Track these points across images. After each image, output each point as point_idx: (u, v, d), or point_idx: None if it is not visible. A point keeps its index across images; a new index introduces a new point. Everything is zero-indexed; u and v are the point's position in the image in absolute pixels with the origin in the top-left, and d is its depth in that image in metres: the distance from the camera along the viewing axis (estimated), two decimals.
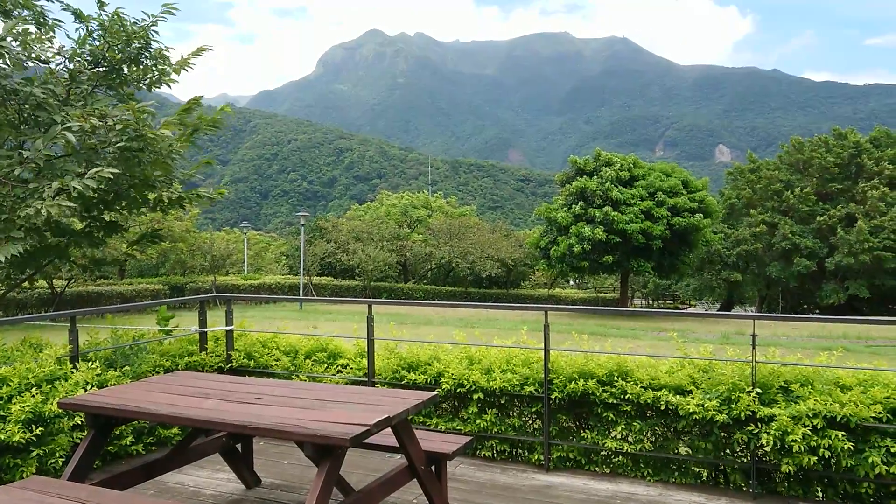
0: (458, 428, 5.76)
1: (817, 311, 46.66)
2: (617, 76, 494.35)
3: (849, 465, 4.51)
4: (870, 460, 4.44)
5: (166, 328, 7.00)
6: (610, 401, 5.27)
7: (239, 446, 4.92)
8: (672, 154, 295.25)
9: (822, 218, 42.28)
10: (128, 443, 5.52)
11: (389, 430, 3.66)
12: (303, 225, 40.07)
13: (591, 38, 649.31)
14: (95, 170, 5.47)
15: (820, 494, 4.73)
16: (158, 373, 6.07)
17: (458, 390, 5.75)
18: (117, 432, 5.45)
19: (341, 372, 6.37)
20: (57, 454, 4.84)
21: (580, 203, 34.50)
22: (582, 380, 5.33)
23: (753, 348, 4.89)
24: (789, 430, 4.57)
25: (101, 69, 7.20)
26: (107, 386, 5.41)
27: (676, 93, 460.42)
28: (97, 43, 7.08)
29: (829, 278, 42.60)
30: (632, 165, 35.70)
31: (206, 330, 6.77)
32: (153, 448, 5.82)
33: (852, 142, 45.14)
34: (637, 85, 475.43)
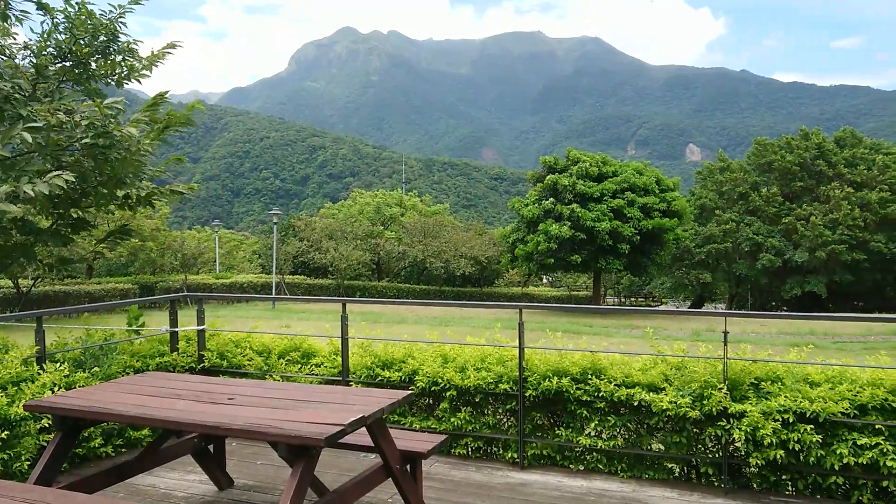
0: (433, 426, 5.75)
1: (785, 308, 47.63)
2: (589, 76, 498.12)
3: (818, 456, 4.60)
4: (838, 452, 4.53)
5: (137, 328, 6.88)
6: (584, 398, 5.30)
7: (211, 447, 4.86)
8: (644, 153, 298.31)
9: (788, 218, 43.23)
10: (96, 445, 5.42)
11: (364, 429, 3.63)
12: (275, 223, 39.75)
13: (564, 37, 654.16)
14: (51, 174, 5.35)
15: (790, 488, 4.81)
16: (128, 374, 5.97)
17: (433, 388, 5.74)
18: (85, 434, 5.35)
19: (315, 371, 6.32)
20: (23, 458, 4.73)
21: (550, 199, 34.62)
22: (556, 377, 5.36)
23: (725, 345, 4.95)
24: (760, 425, 4.64)
25: (67, 63, 7.05)
26: (75, 388, 5.31)
27: (648, 92, 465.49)
28: (63, 37, 6.92)
29: (793, 274, 43.63)
30: (601, 163, 35.89)
31: (177, 330, 6.67)
32: (123, 450, 5.73)
33: (815, 143, 46.16)
34: (609, 84, 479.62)
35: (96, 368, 5.71)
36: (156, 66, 7.39)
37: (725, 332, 4.97)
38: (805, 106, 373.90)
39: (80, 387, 5.33)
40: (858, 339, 21.68)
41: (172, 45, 7.28)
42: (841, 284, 42.20)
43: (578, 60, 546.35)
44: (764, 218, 44.92)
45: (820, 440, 4.58)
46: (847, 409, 4.58)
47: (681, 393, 5.01)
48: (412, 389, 5.71)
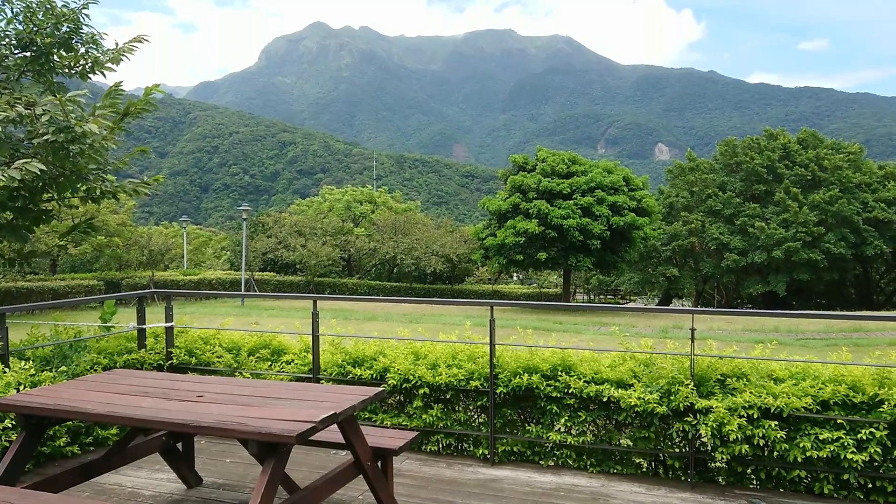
0: (404, 423, 5.76)
1: (750, 306, 48.56)
2: (560, 74, 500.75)
3: (782, 450, 4.71)
4: (801, 446, 4.65)
5: (105, 325, 6.76)
6: (554, 395, 5.35)
7: (179, 445, 4.81)
8: (613, 152, 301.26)
9: (742, 219, 44.09)
10: (62, 444, 5.33)
11: (335, 426, 3.63)
12: (245, 220, 39.32)
13: (536, 35, 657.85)
14: (22, 161, 5.24)
15: (754, 482, 4.91)
16: (95, 371, 5.87)
17: (404, 385, 5.75)
18: (51, 433, 5.26)
19: (285, 369, 6.28)
20: None
21: (517, 194, 34.91)
22: (526, 374, 5.40)
23: (692, 342, 5.03)
24: (725, 420, 4.74)
25: (27, 54, 6.88)
26: (41, 386, 5.21)
27: (618, 92, 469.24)
28: (22, 26, 6.76)
29: (756, 273, 44.55)
30: (570, 161, 36.14)
31: (144, 327, 6.58)
32: (91, 448, 5.64)
33: (781, 143, 47.04)
34: (580, 83, 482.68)
35: (63, 367, 5.61)
36: (122, 60, 7.25)
37: (693, 329, 5.05)
38: (771, 107, 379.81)
39: (46, 385, 5.23)
40: (820, 336, 22.15)
41: (139, 39, 7.15)
42: (801, 283, 43.13)
43: (549, 59, 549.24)
44: (722, 218, 45.79)
45: (784, 435, 4.69)
46: (810, 405, 4.70)
47: (649, 389, 5.08)
48: (384, 387, 5.71)
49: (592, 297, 63.02)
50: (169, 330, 6.60)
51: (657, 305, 52.82)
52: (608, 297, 63.18)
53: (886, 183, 45.97)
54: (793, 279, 42.58)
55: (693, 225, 45.07)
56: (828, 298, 48.24)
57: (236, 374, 6.30)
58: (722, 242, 43.83)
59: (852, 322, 23.66)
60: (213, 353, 6.51)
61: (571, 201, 33.59)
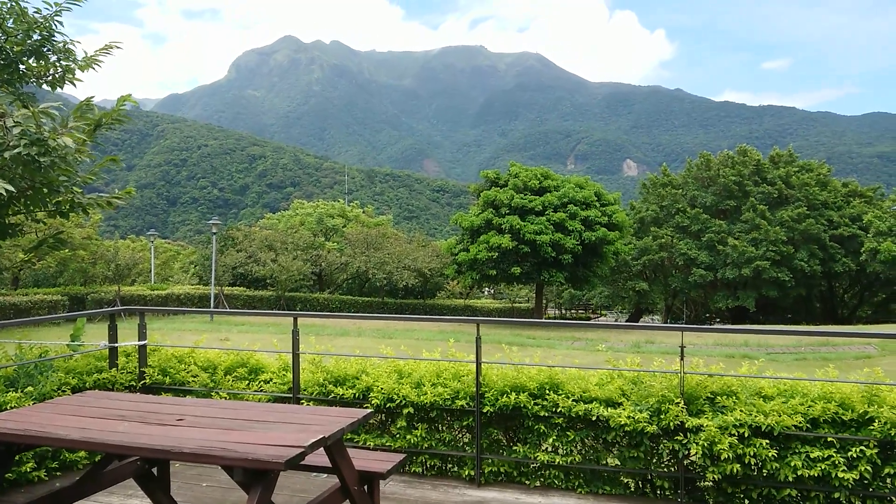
0: (388, 444, 5.61)
1: (717, 320, 49.20)
2: (530, 90, 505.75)
3: (773, 469, 4.66)
4: (792, 465, 4.60)
5: (74, 343, 6.49)
6: (541, 414, 5.25)
7: (155, 470, 4.60)
8: (583, 167, 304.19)
9: (709, 235, 44.78)
10: (28, 469, 5.08)
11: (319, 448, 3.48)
12: (214, 233, 38.72)
13: (506, 52, 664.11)
14: None
15: (745, 502, 4.85)
16: (65, 392, 5.63)
17: (388, 405, 5.61)
18: (16, 458, 5.01)
19: (264, 388, 6.09)
20: None
21: (489, 209, 34.97)
22: (514, 393, 5.30)
23: (682, 359, 4.98)
24: (717, 439, 4.68)
25: None
26: (7, 409, 4.97)
27: (587, 108, 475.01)
28: None
29: (723, 289, 45.21)
30: (542, 176, 36.31)
31: (116, 345, 6.34)
32: (57, 474, 5.39)
33: (753, 159, 47.94)
34: (550, 100, 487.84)
35: (30, 388, 5.36)
36: (93, 68, 7.06)
37: (682, 347, 5.00)
38: (736, 125, 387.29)
39: (11, 408, 4.99)
40: (790, 350, 22.41)
41: (110, 46, 6.96)
42: (768, 299, 43.86)
43: (520, 75, 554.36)
44: (690, 234, 46.46)
45: (775, 454, 4.64)
46: (800, 423, 4.66)
47: (638, 408, 5.01)
48: (367, 406, 5.57)
49: (564, 311, 63.25)
50: (142, 348, 6.37)
51: (627, 320, 53.22)
52: (579, 311, 63.47)
53: (850, 200, 47.04)
54: (761, 294, 43.28)
55: (663, 240, 45.60)
56: (794, 313, 49.07)
57: (213, 394, 6.10)
58: (690, 257, 44.42)
59: (822, 337, 23.99)
60: (188, 373, 6.30)
61: (544, 217, 33.73)
